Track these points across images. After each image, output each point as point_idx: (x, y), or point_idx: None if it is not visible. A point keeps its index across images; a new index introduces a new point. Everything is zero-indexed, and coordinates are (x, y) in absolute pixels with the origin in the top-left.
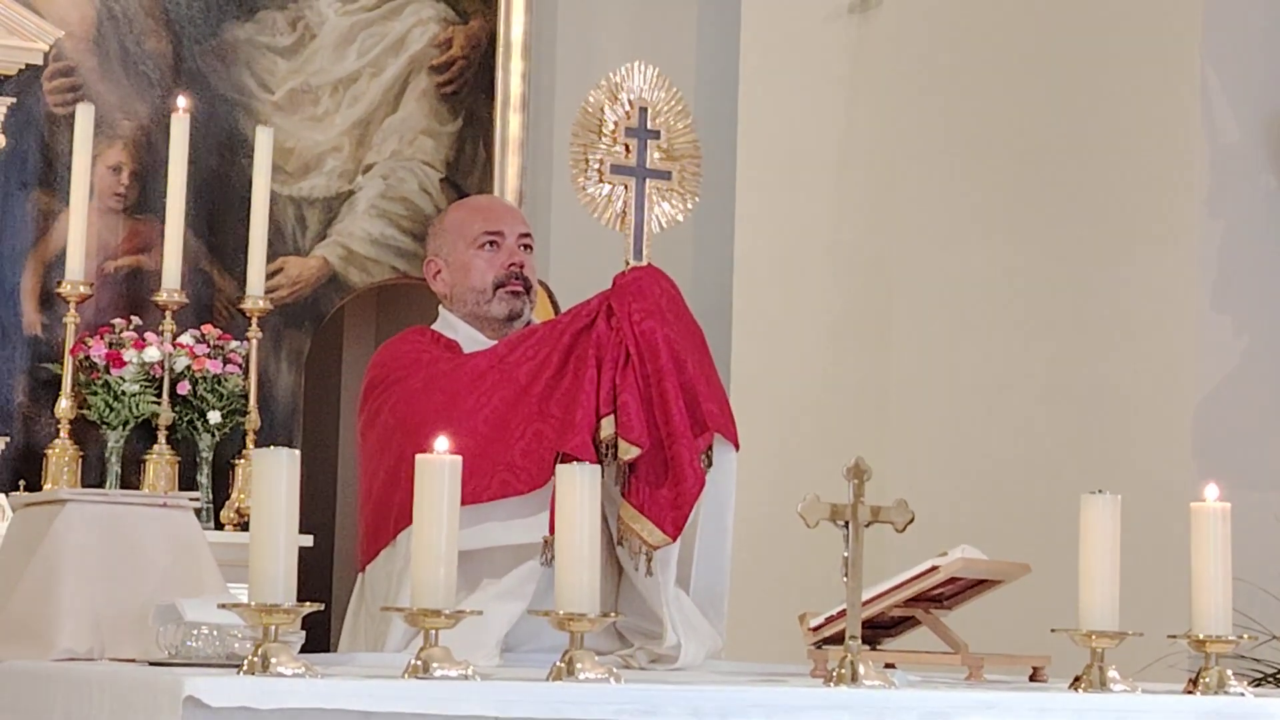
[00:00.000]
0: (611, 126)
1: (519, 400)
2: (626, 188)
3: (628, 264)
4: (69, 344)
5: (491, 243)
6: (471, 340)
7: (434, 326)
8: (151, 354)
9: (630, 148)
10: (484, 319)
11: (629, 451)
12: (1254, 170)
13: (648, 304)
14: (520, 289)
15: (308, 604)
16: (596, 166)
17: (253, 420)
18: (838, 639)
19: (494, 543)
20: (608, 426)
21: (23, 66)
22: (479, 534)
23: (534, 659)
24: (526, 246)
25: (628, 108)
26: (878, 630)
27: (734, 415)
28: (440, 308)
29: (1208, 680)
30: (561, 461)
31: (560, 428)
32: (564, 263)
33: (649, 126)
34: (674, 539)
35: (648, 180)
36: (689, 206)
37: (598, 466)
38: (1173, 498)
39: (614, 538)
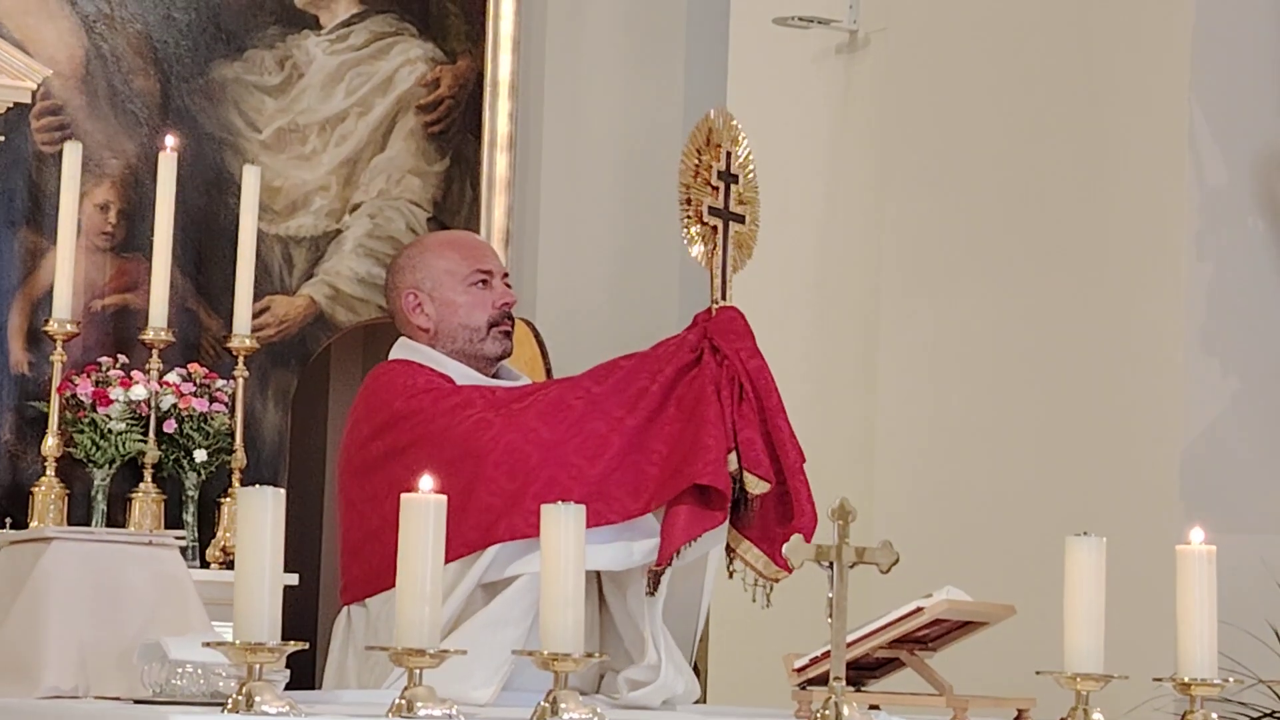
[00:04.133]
0: (705, 170)
1: (612, 432)
2: (715, 229)
3: (715, 303)
4: (55, 382)
5: (483, 281)
6: (466, 376)
7: (412, 359)
8: (138, 392)
9: (718, 190)
10: (474, 357)
11: (759, 486)
12: (1242, 213)
13: (751, 343)
14: (510, 328)
15: (292, 642)
16: (698, 206)
17: (238, 459)
18: (822, 680)
19: None
20: (731, 462)
21: (10, 105)
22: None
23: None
24: (508, 285)
25: (714, 151)
26: (862, 672)
27: None
28: (408, 341)
29: None
30: (670, 497)
31: (669, 463)
32: (550, 301)
33: (731, 170)
34: (790, 571)
35: (730, 223)
36: (753, 246)
37: (582, 506)
38: (1159, 540)
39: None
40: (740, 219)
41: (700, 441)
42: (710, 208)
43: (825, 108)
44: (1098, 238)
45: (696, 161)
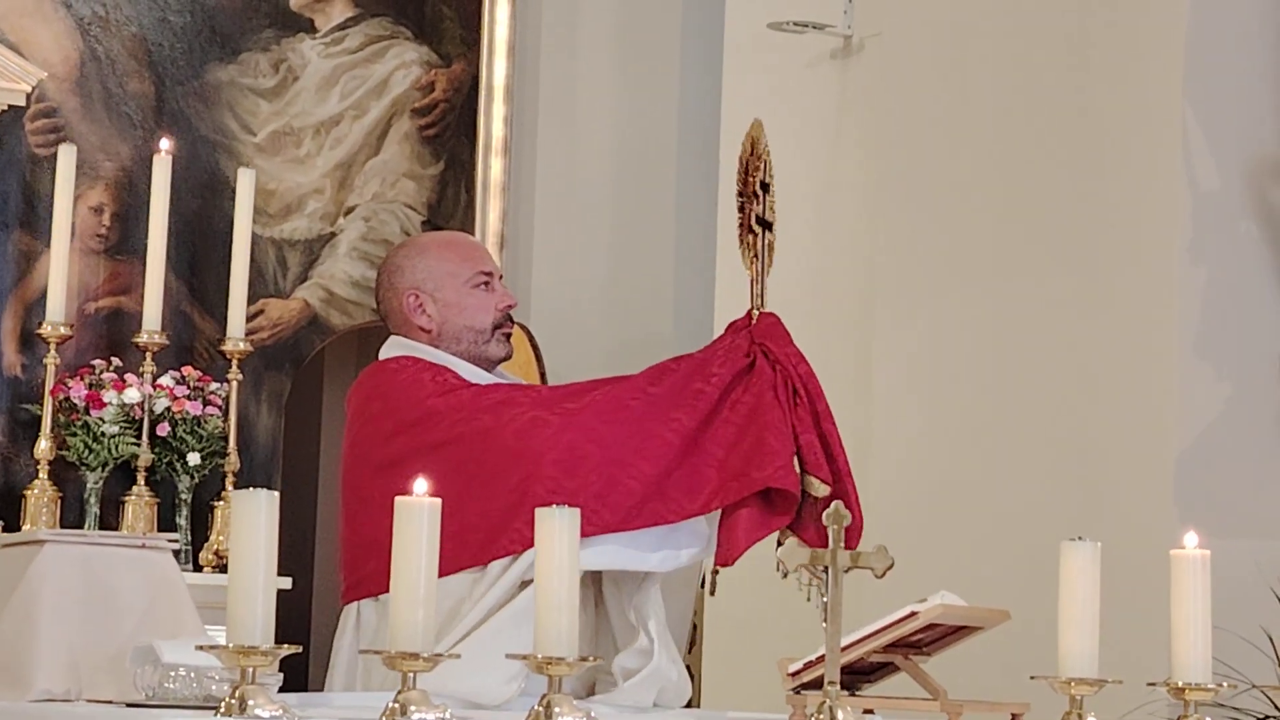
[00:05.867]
0: (751, 179)
1: (671, 433)
2: (756, 236)
3: (757, 309)
4: (49, 385)
5: (485, 283)
6: (476, 376)
7: (422, 358)
8: (131, 395)
9: (758, 199)
10: (477, 358)
11: (820, 489)
12: (1235, 218)
13: (796, 348)
14: (511, 330)
15: (286, 646)
16: (749, 215)
17: (232, 462)
18: (816, 684)
19: (618, 566)
20: (794, 466)
21: (5, 107)
22: (598, 555)
23: None
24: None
25: (756, 161)
26: (856, 676)
27: None
28: (406, 340)
29: None
30: (735, 499)
31: (727, 466)
32: (544, 305)
33: (764, 180)
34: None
35: (765, 230)
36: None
37: (576, 510)
38: (1153, 545)
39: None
40: (769, 227)
41: (765, 445)
42: (756, 217)
43: (820, 113)
44: (1091, 242)
45: (744, 171)
